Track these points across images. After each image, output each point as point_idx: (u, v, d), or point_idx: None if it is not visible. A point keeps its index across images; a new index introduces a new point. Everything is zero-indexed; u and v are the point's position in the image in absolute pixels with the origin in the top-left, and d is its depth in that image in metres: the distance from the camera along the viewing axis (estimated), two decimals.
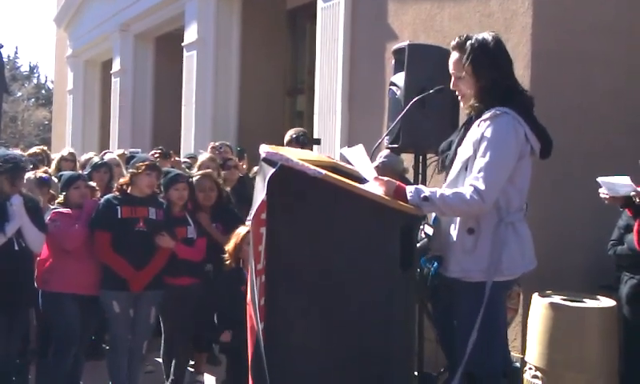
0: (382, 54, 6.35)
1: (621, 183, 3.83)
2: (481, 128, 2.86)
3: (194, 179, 5.07)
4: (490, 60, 2.91)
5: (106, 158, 6.25)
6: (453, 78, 3.04)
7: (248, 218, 4.07)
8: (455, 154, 3.02)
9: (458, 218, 2.92)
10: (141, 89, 12.67)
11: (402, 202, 2.81)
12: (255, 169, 5.73)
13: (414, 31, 6.01)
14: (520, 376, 4.37)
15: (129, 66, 12.81)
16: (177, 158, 7.00)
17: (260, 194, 2.65)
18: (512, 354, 3.97)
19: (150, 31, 12.42)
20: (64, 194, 4.60)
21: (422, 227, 3.12)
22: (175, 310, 4.70)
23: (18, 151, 5.82)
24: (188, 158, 7.51)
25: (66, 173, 5.04)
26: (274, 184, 2.57)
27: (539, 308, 4.26)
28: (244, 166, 6.79)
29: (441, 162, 3.20)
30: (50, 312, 4.49)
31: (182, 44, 10.30)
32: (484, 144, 2.81)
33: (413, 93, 3.99)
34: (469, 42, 2.94)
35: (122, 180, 4.71)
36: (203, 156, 6.12)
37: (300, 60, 10.33)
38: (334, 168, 3.09)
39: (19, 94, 39.76)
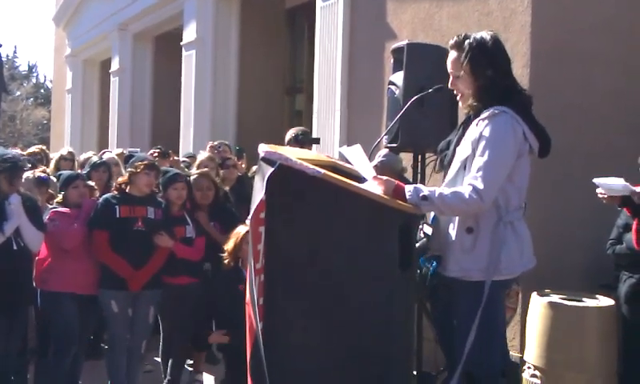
0: (380, 53, 6.35)
1: (616, 184, 3.83)
2: (479, 127, 2.86)
3: (192, 178, 5.07)
4: (488, 59, 2.91)
5: (105, 157, 6.24)
6: (451, 77, 3.04)
7: (248, 218, 4.07)
8: (454, 153, 3.02)
9: (457, 218, 2.92)
10: (140, 88, 12.67)
11: (400, 202, 2.80)
12: (254, 168, 5.72)
13: (413, 30, 6.01)
14: (518, 375, 4.38)
15: (127, 66, 12.81)
16: (175, 158, 7.00)
17: (259, 193, 2.64)
18: (511, 353, 3.97)
19: (148, 30, 12.42)
20: (63, 193, 4.60)
21: (420, 227, 3.12)
22: (174, 310, 4.69)
23: (16, 150, 5.82)
24: (187, 157, 7.51)
25: (65, 172, 5.04)
26: (273, 183, 2.56)
27: (538, 307, 4.26)
28: (243, 166, 6.79)
29: (439, 162, 3.20)
30: (48, 311, 4.48)
31: (181, 43, 10.30)
32: (482, 143, 2.81)
33: (412, 92, 3.99)
34: (467, 41, 2.94)
35: (120, 179, 4.70)
36: (202, 155, 6.12)
37: (299, 59, 10.33)
38: (334, 167, 3.09)
39: (18, 93, 39.75)
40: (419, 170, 4.45)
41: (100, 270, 4.43)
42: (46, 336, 4.56)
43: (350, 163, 3.25)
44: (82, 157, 6.92)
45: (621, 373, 4.31)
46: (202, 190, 4.98)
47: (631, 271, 4.37)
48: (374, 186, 2.88)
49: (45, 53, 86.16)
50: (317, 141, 6.49)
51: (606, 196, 3.96)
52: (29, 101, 41.08)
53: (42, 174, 5.00)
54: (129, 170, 4.64)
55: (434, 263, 3.06)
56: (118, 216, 4.43)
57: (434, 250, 3.07)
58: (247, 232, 3.85)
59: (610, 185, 3.86)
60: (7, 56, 39.97)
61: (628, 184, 3.83)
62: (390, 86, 4.36)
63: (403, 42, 4.36)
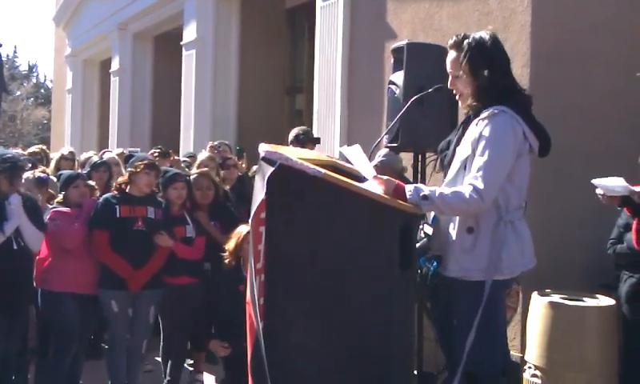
0: (381, 53, 6.35)
1: (615, 185, 3.83)
2: (479, 127, 2.86)
3: (192, 178, 5.07)
4: (487, 59, 2.91)
5: (105, 157, 6.25)
6: (450, 77, 3.04)
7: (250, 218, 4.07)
8: (454, 153, 3.02)
9: (457, 217, 2.92)
10: (140, 88, 12.68)
11: (401, 201, 2.80)
12: (254, 168, 5.72)
13: (413, 30, 6.01)
14: (519, 374, 4.37)
15: (128, 65, 12.81)
16: (176, 157, 7.00)
17: (259, 193, 2.64)
18: (511, 353, 3.98)
19: (148, 30, 12.42)
20: (63, 193, 4.60)
21: (421, 227, 3.12)
22: (174, 310, 4.69)
23: (16, 150, 5.82)
24: (187, 157, 7.51)
25: (66, 172, 5.05)
26: (274, 183, 2.56)
27: (539, 307, 4.26)
28: (243, 165, 6.79)
29: (440, 162, 3.20)
30: (49, 311, 4.48)
31: (181, 43, 10.29)
32: (482, 143, 2.81)
33: (412, 92, 3.99)
34: (466, 41, 2.94)
35: (120, 179, 4.70)
36: (202, 155, 6.13)
37: (299, 59, 10.33)
38: (334, 167, 3.08)
39: (18, 93, 39.78)
40: (419, 170, 4.45)
41: (100, 270, 4.43)
42: (46, 336, 4.56)
43: (350, 163, 3.25)
44: (83, 156, 6.92)
45: (621, 373, 4.31)
46: (202, 189, 4.98)
47: (632, 271, 4.36)
48: (374, 186, 2.88)
49: (45, 53, 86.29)
50: (317, 140, 6.50)
51: (605, 196, 3.96)
52: (29, 101, 41.12)
53: (42, 174, 5.00)
54: (129, 169, 4.64)
55: (435, 263, 3.06)
56: (118, 216, 4.43)
57: (435, 250, 3.07)
58: (248, 232, 3.86)
59: (609, 186, 3.86)
60: (7, 56, 40.03)
61: (627, 184, 3.83)
62: (390, 86, 4.36)
63: (403, 42, 4.36)
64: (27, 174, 4.73)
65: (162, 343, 4.93)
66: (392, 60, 4.44)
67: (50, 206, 4.65)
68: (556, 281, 4.54)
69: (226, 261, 4.32)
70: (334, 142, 6.85)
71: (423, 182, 4.27)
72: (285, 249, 2.71)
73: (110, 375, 4.52)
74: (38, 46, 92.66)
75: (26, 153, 6.50)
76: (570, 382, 4.13)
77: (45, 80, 44.19)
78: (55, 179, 5.29)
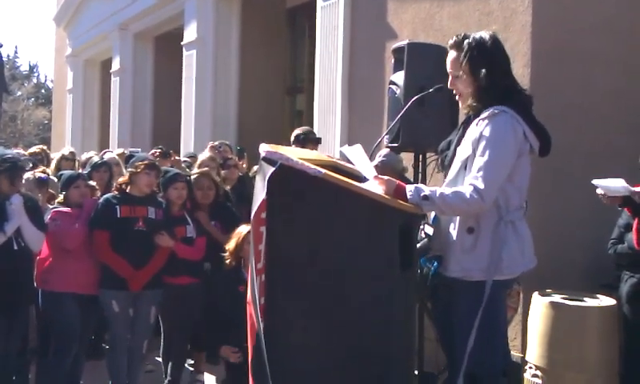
0: (381, 53, 6.35)
1: (616, 186, 3.83)
2: (479, 127, 2.86)
3: (192, 178, 5.07)
4: (487, 59, 2.90)
5: (106, 157, 6.25)
6: (450, 77, 3.04)
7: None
8: (454, 153, 3.01)
9: (458, 218, 2.92)
10: (140, 88, 12.68)
11: (401, 201, 2.80)
12: (255, 168, 5.72)
13: (414, 30, 6.01)
14: (520, 374, 4.37)
15: (128, 66, 12.82)
16: (177, 157, 7.00)
17: (260, 193, 2.64)
18: (512, 353, 3.97)
19: (149, 30, 12.42)
20: (64, 193, 4.60)
21: (422, 227, 3.12)
22: (174, 310, 4.69)
23: (17, 151, 5.82)
24: (188, 157, 7.51)
25: (66, 172, 5.05)
26: (274, 183, 2.56)
27: (539, 307, 4.26)
28: (244, 165, 6.80)
29: (440, 162, 3.19)
30: (49, 311, 4.48)
31: (182, 43, 10.29)
32: (483, 143, 2.81)
33: (412, 92, 3.98)
34: (466, 41, 2.94)
35: (121, 179, 4.71)
36: (203, 155, 6.12)
37: (299, 59, 10.32)
38: (335, 167, 3.08)
39: (19, 93, 39.79)
40: (420, 170, 4.45)
41: (100, 270, 4.43)
42: (46, 336, 4.57)
43: (350, 163, 3.25)
44: (83, 157, 6.93)
45: (622, 373, 4.31)
46: (203, 189, 4.98)
47: (632, 271, 4.36)
48: (374, 186, 2.88)
49: (46, 53, 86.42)
50: (318, 141, 6.50)
51: (605, 196, 3.97)
52: (30, 101, 41.12)
53: (42, 175, 5.00)
54: (129, 169, 4.65)
55: (435, 263, 3.06)
56: (118, 216, 4.43)
57: (435, 250, 3.06)
58: (249, 232, 3.86)
59: (609, 186, 3.86)
60: (8, 56, 40.09)
61: (627, 185, 3.83)
62: (390, 86, 4.36)
63: (404, 42, 4.36)
64: (28, 175, 4.73)
65: (162, 343, 4.93)
66: (392, 60, 4.44)
67: (51, 207, 4.65)
68: (556, 281, 4.54)
69: (227, 261, 4.31)
70: (334, 142, 6.85)
71: (424, 182, 4.27)
72: (285, 249, 2.71)
73: (110, 375, 4.52)
74: (39, 46, 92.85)
75: (26, 153, 6.51)
76: (570, 382, 4.13)
77: (45, 80, 44.22)
78: (56, 179, 5.29)
